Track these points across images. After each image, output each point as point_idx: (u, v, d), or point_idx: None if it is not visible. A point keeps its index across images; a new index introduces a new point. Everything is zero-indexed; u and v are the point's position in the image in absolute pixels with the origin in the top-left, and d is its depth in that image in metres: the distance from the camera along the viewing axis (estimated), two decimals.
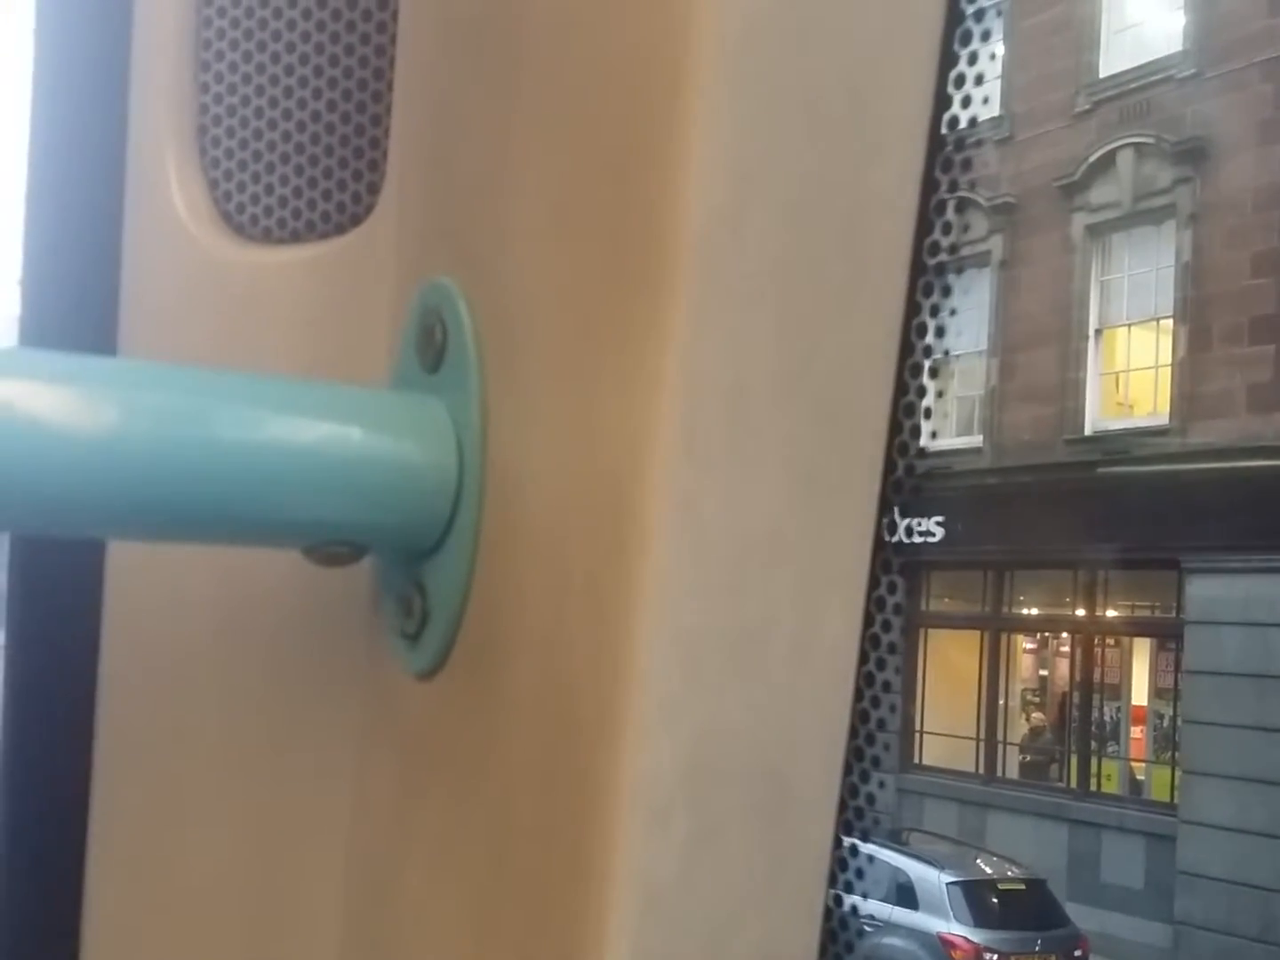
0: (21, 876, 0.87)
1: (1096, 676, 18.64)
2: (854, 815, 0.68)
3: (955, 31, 0.63)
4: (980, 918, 12.72)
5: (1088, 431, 18.01)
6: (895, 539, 0.67)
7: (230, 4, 0.82)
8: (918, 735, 19.95)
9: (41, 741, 0.86)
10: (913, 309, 0.62)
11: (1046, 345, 18.48)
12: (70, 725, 0.83)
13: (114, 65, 0.83)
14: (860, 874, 0.70)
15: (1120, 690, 18.59)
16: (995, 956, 12.39)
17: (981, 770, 19.30)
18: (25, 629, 0.87)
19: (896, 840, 14.07)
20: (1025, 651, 20.24)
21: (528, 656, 0.58)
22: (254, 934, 0.75)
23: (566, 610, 0.56)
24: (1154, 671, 18.21)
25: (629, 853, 0.53)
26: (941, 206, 0.66)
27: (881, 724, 0.71)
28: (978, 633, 19.86)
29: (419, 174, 0.69)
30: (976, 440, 19.19)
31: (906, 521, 0.69)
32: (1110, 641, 18.61)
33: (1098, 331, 18.27)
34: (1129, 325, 18.11)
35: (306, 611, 0.73)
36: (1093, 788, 18.12)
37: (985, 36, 0.68)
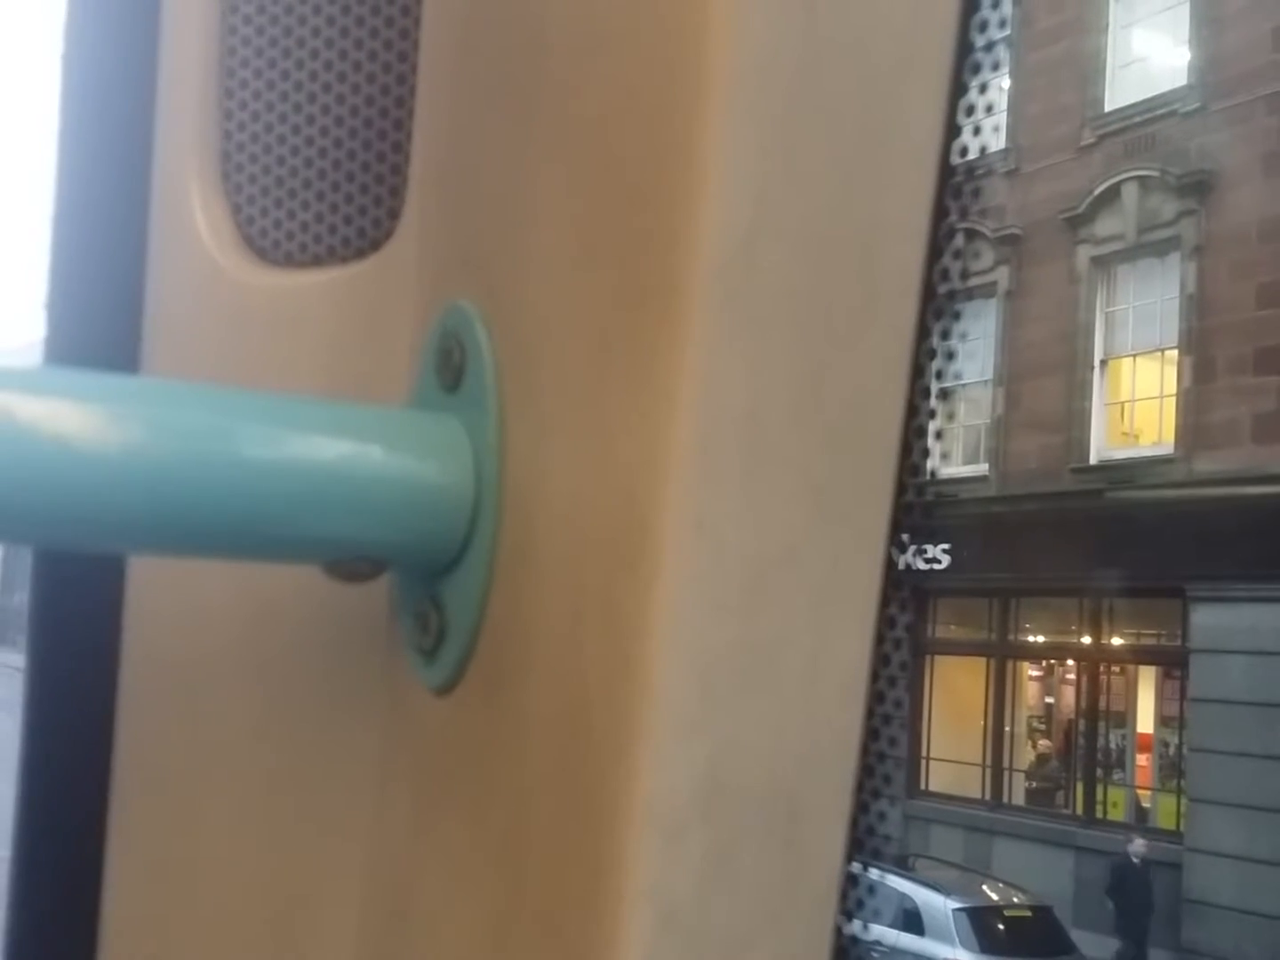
0: (40, 891, 0.87)
1: (1102, 704, 18.58)
2: (864, 834, 0.68)
3: (966, 61, 0.64)
4: (986, 944, 12.65)
5: (1093, 460, 18.01)
6: (904, 561, 0.67)
7: (255, 32, 0.83)
8: (924, 761, 19.87)
9: (61, 756, 0.87)
10: (923, 333, 0.63)
11: (1052, 375, 18.49)
12: (89, 739, 0.83)
13: (139, 90, 0.85)
14: (872, 890, 0.71)
15: (1126, 718, 18.54)
16: None
17: (988, 797, 19.22)
18: (45, 643, 0.88)
19: (903, 866, 14.00)
20: (1031, 679, 20.18)
21: (543, 673, 0.58)
22: (271, 948, 0.76)
23: (582, 627, 0.56)
24: (1159, 699, 18.16)
25: (644, 870, 0.53)
26: (952, 233, 0.67)
27: (892, 742, 0.71)
28: (983, 660, 19.81)
29: (439, 199, 0.70)
30: (982, 469, 19.19)
31: (913, 547, 0.69)
32: (1116, 669, 18.57)
33: (1103, 362, 18.30)
34: (1134, 356, 18.14)
35: (325, 627, 0.74)
36: (1099, 815, 18.05)
37: (995, 67, 0.69)
